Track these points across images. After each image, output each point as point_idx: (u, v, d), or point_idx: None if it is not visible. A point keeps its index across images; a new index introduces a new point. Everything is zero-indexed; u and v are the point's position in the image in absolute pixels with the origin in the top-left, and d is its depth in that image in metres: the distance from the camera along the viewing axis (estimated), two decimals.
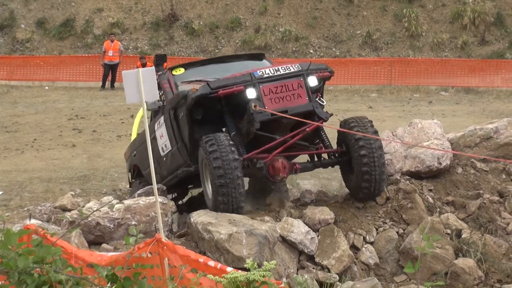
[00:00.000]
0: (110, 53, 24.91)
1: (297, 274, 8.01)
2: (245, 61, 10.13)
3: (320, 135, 8.81)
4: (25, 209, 10.21)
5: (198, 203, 9.69)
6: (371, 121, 8.71)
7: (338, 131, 8.78)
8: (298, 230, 8.25)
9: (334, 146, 8.88)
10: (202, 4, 30.18)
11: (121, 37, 28.53)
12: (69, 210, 9.57)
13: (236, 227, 7.68)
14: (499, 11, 28.59)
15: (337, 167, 9.05)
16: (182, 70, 9.72)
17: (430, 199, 9.25)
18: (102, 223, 8.24)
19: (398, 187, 9.14)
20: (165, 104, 9.29)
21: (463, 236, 8.65)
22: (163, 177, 9.77)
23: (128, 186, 11.73)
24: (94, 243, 8.17)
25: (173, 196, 10.47)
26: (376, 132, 8.60)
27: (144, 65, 21.47)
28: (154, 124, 9.72)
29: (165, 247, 5.58)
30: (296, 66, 8.53)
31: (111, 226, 8.25)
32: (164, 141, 9.42)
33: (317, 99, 8.49)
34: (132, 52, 28.36)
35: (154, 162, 9.56)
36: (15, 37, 29.42)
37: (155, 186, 6.95)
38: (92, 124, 18.07)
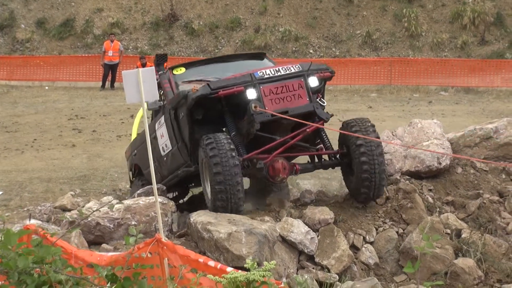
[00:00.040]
0: (110, 53, 24.90)
1: (297, 274, 8.01)
2: (246, 60, 10.11)
3: (320, 136, 8.80)
4: (25, 209, 10.21)
5: (199, 202, 9.69)
6: (373, 126, 8.64)
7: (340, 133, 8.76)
8: (298, 230, 8.25)
9: (336, 146, 8.86)
10: (202, 4, 30.18)
11: (121, 37, 28.53)
12: (69, 210, 9.57)
13: (235, 226, 7.69)
14: (499, 11, 28.59)
15: (337, 167, 9.04)
16: (183, 69, 9.70)
17: (430, 199, 9.26)
18: (102, 223, 8.24)
19: (398, 187, 9.14)
20: (165, 103, 9.29)
21: (463, 236, 8.65)
22: (163, 177, 9.76)
23: (128, 185, 11.74)
24: (94, 243, 8.17)
25: (174, 195, 10.47)
26: (380, 146, 8.53)
27: (144, 65, 21.46)
28: (155, 123, 9.72)
29: (165, 247, 5.58)
30: (296, 66, 8.50)
31: (111, 226, 8.26)
32: (164, 141, 9.42)
33: (317, 99, 8.47)
34: (132, 52, 28.36)
35: (154, 162, 9.58)
36: (15, 37, 29.42)
37: (155, 186, 6.95)
38: (92, 124, 18.07)
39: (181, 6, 29.95)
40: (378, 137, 8.61)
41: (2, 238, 3.67)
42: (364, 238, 8.65)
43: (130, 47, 28.97)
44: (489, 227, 8.98)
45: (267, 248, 7.68)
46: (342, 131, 8.61)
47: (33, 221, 8.55)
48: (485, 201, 9.25)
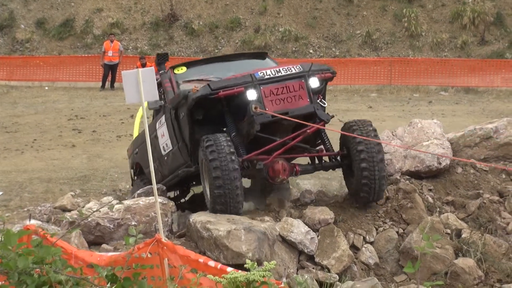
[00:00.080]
0: (110, 53, 24.90)
1: (297, 274, 8.01)
2: (248, 60, 10.09)
3: (321, 137, 8.77)
4: (25, 209, 10.21)
5: (200, 201, 9.67)
6: (375, 130, 8.58)
7: (341, 134, 8.74)
8: (298, 230, 8.25)
9: (336, 146, 8.85)
10: (202, 4, 30.18)
11: (120, 37, 28.53)
12: (69, 211, 9.57)
13: (235, 225, 7.70)
14: (498, 11, 28.60)
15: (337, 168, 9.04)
16: (184, 69, 9.67)
17: (430, 199, 9.25)
18: (102, 224, 8.24)
19: (398, 187, 9.14)
20: (166, 103, 9.27)
21: (463, 236, 8.65)
22: (164, 176, 9.76)
23: (128, 186, 11.74)
24: (94, 244, 8.17)
25: (175, 194, 10.47)
26: (380, 148, 8.49)
27: (143, 65, 21.46)
28: (156, 122, 9.71)
29: (165, 247, 5.58)
30: (297, 67, 8.46)
31: (111, 226, 8.26)
32: (165, 140, 9.41)
33: (318, 100, 8.43)
34: (132, 52, 28.36)
35: (155, 161, 9.59)
36: (14, 37, 29.42)
37: (154, 186, 6.95)
38: (92, 124, 18.07)
39: (181, 6, 29.95)
40: (377, 136, 8.58)
41: (2, 239, 3.66)
42: (364, 238, 8.64)
43: (130, 47, 28.97)
44: (489, 227, 8.98)
45: (267, 245, 7.68)
46: (342, 132, 8.60)
47: (33, 222, 8.55)
48: (485, 201, 9.25)
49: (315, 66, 8.61)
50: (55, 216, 9.32)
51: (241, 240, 7.53)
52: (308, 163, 8.91)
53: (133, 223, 8.14)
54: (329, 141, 8.76)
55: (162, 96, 9.38)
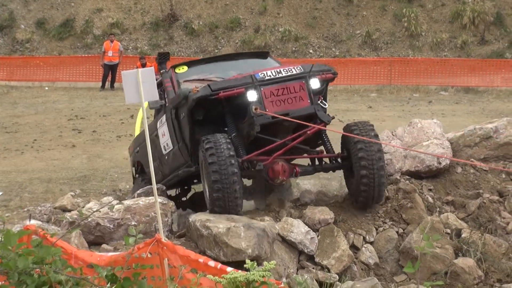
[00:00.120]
0: (110, 53, 24.90)
1: (297, 274, 8.01)
2: (250, 59, 10.07)
3: (322, 139, 8.75)
4: (25, 209, 10.20)
5: (200, 199, 9.66)
6: (376, 135, 8.55)
7: (342, 135, 8.71)
8: (298, 230, 8.25)
9: (336, 147, 8.83)
10: (202, 4, 30.18)
11: (120, 37, 28.53)
12: (69, 211, 9.57)
13: (234, 222, 7.73)
14: (498, 10, 28.59)
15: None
16: (185, 68, 9.64)
17: (430, 199, 9.25)
18: (102, 224, 8.24)
19: (398, 186, 9.13)
20: (167, 102, 9.26)
21: (463, 235, 8.65)
22: (165, 175, 9.75)
23: (128, 186, 11.74)
24: (94, 244, 8.17)
25: (177, 192, 10.46)
26: (380, 149, 8.46)
27: (143, 65, 21.46)
28: (157, 122, 9.70)
29: (165, 248, 5.58)
30: (298, 68, 8.43)
31: (111, 226, 8.26)
32: (165, 140, 9.39)
33: (319, 101, 8.40)
34: (132, 52, 28.36)
35: (156, 160, 9.60)
36: (14, 37, 29.42)
37: (154, 186, 6.95)
38: (92, 124, 18.07)
39: (180, 6, 29.95)
40: (379, 144, 8.51)
41: (2, 239, 3.67)
42: (364, 238, 8.64)
43: (130, 47, 28.97)
44: (489, 227, 8.97)
45: (266, 242, 7.68)
46: (341, 132, 8.58)
47: (33, 222, 8.55)
48: (485, 200, 9.25)
49: (316, 66, 8.58)
50: (55, 216, 9.32)
51: (240, 237, 7.54)
52: (308, 164, 8.89)
53: (133, 223, 8.14)
54: (329, 142, 8.73)
55: (163, 95, 9.37)
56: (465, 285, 8.10)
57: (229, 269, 5.08)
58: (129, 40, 29.38)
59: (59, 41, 29.41)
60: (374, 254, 8.55)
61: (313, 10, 29.76)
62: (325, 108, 8.49)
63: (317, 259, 8.20)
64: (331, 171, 9.01)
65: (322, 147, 8.87)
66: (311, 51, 28.67)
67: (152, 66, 17.17)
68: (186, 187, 10.54)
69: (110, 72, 24.91)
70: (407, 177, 9.49)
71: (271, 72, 8.36)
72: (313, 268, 8.14)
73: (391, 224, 8.83)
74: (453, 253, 8.45)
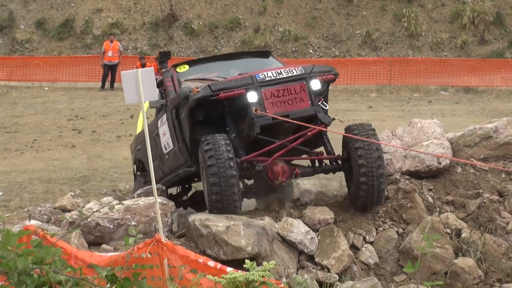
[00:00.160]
0: (110, 53, 24.90)
1: (297, 274, 8.01)
2: (251, 58, 10.04)
3: (322, 140, 8.73)
4: (25, 209, 10.20)
5: (201, 198, 9.64)
6: (378, 143, 8.49)
7: (343, 138, 8.69)
8: (298, 230, 8.24)
9: (336, 147, 8.80)
10: (202, 4, 30.18)
11: (120, 38, 28.54)
12: (69, 211, 9.57)
13: (233, 221, 7.73)
14: (498, 10, 28.60)
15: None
16: (187, 67, 9.61)
17: (430, 199, 9.25)
18: (102, 224, 8.24)
19: (397, 186, 9.13)
20: (167, 102, 9.24)
21: (462, 235, 8.65)
22: (165, 174, 9.75)
23: (128, 186, 11.74)
24: (94, 244, 8.16)
25: (178, 190, 10.45)
26: (380, 157, 8.40)
27: (143, 66, 21.48)
28: (158, 120, 9.68)
29: (164, 248, 5.58)
30: (299, 69, 8.38)
31: (111, 226, 8.25)
32: (166, 139, 9.38)
33: (319, 103, 8.37)
34: (132, 52, 28.36)
35: (156, 159, 9.60)
36: (14, 37, 29.42)
37: (154, 186, 6.95)
38: (92, 124, 18.08)
39: (180, 6, 29.95)
40: (379, 146, 8.46)
41: (2, 239, 3.66)
42: (364, 238, 8.64)
43: (130, 47, 28.97)
44: (489, 227, 8.97)
45: (266, 240, 7.68)
46: (342, 133, 8.56)
47: (33, 222, 8.55)
48: (485, 200, 9.25)
49: (317, 67, 8.53)
50: (55, 216, 9.32)
51: (240, 235, 7.54)
52: (308, 165, 8.87)
53: (133, 223, 8.13)
54: (330, 144, 8.69)
55: (164, 94, 9.35)
56: (465, 285, 8.10)
57: (228, 269, 5.08)
58: (128, 40, 29.38)
59: (58, 41, 29.41)
60: (374, 254, 8.55)
61: (313, 10, 29.76)
62: (326, 110, 8.45)
63: (317, 259, 8.20)
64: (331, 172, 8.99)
65: (322, 149, 8.85)
66: (310, 51, 28.67)
67: (151, 66, 17.17)
68: (187, 186, 10.54)
69: (110, 72, 24.91)
70: (407, 177, 9.48)
71: (272, 73, 8.33)
72: (313, 268, 8.14)
73: (391, 224, 8.83)
74: (453, 253, 8.45)
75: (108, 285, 3.76)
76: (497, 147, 10.04)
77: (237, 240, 7.50)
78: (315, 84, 8.34)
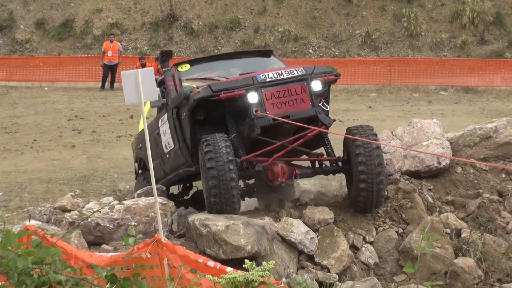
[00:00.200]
0: (110, 53, 24.90)
1: (296, 274, 8.01)
2: (253, 58, 10.02)
3: (323, 141, 8.72)
4: (25, 210, 10.20)
5: (203, 197, 9.64)
6: (379, 151, 8.45)
7: (344, 139, 8.68)
8: (297, 230, 8.25)
9: (336, 148, 8.79)
10: (202, 4, 30.18)
11: (120, 38, 28.54)
12: (69, 211, 9.57)
13: (233, 220, 7.73)
14: (498, 10, 28.60)
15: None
16: (188, 66, 9.60)
17: (430, 199, 9.25)
18: (102, 224, 8.24)
19: (397, 186, 9.13)
20: (168, 101, 9.23)
21: (462, 235, 8.65)
22: (166, 173, 9.74)
23: (128, 186, 11.74)
24: (94, 244, 8.16)
25: (179, 189, 10.45)
26: (381, 164, 8.37)
27: (143, 66, 21.48)
28: (159, 120, 9.68)
29: (164, 248, 5.59)
30: (300, 70, 8.36)
31: (111, 226, 8.25)
32: (167, 139, 9.37)
33: (320, 104, 8.35)
34: (132, 52, 28.36)
35: (158, 158, 9.60)
36: (14, 38, 29.42)
37: (154, 186, 6.95)
38: (92, 124, 18.08)
39: (180, 6, 29.95)
40: (379, 150, 8.44)
41: (2, 239, 3.67)
42: (364, 238, 8.64)
43: (130, 47, 28.97)
44: (489, 227, 8.98)
45: (266, 239, 7.68)
46: (342, 134, 8.55)
47: (33, 222, 8.54)
48: (484, 200, 9.25)
49: (318, 68, 8.51)
50: (55, 216, 9.32)
51: (239, 234, 7.54)
52: (308, 166, 8.86)
53: (133, 223, 8.13)
54: (330, 145, 8.68)
55: (165, 93, 9.35)
56: (465, 285, 8.10)
57: (228, 269, 5.08)
58: (128, 40, 29.38)
59: (58, 42, 29.41)
60: (374, 254, 8.55)
61: (312, 10, 29.76)
62: (327, 111, 8.43)
63: (317, 259, 8.20)
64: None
65: (323, 150, 8.84)
66: (310, 51, 28.68)
67: (151, 66, 17.16)
68: (188, 184, 10.53)
69: (110, 72, 24.92)
70: (407, 177, 9.49)
71: (272, 73, 8.31)
72: (313, 268, 8.14)
73: (391, 224, 8.83)
74: (453, 253, 8.45)
75: (108, 285, 3.76)
76: (497, 147, 10.05)
77: (236, 239, 7.51)
78: (316, 85, 8.32)
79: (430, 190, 9.42)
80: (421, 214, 8.89)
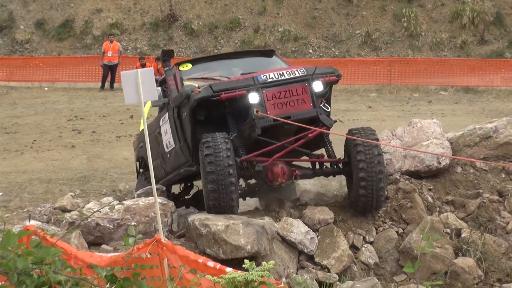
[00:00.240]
0: (109, 53, 24.90)
1: (296, 274, 8.01)
2: (255, 57, 10.00)
3: (324, 142, 8.70)
4: (25, 210, 10.20)
5: (203, 197, 9.64)
6: (379, 148, 8.47)
7: (345, 141, 8.67)
8: (297, 230, 8.25)
9: (336, 148, 8.78)
10: (201, 4, 30.18)
11: (120, 38, 28.54)
12: (69, 211, 9.57)
13: (233, 220, 7.74)
14: (498, 10, 28.60)
15: None
16: (189, 66, 9.58)
17: (430, 199, 9.25)
18: (102, 224, 8.24)
19: (397, 186, 9.13)
20: (169, 101, 9.22)
21: (462, 235, 8.65)
22: (167, 173, 9.74)
23: (128, 186, 11.74)
24: (94, 244, 8.16)
25: (180, 188, 10.44)
26: (381, 169, 8.39)
27: (143, 66, 21.49)
28: (160, 119, 9.68)
29: (164, 248, 5.59)
30: (301, 70, 8.34)
31: (111, 226, 8.25)
32: (168, 138, 9.36)
33: (321, 105, 8.34)
34: (131, 52, 28.36)
35: (158, 157, 9.60)
36: (14, 38, 29.43)
37: (154, 186, 6.94)
38: (92, 125, 18.08)
39: (180, 6, 29.95)
40: (379, 148, 8.45)
41: (2, 239, 3.67)
42: (364, 238, 8.64)
43: (130, 47, 28.97)
44: (489, 227, 8.98)
45: (265, 239, 7.68)
46: (343, 135, 8.54)
47: (33, 222, 8.54)
48: (484, 200, 9.25)
49: (319, 69, 8.48)
50: (55, 216, 9.32)
51: (239, 234, 7.54)
52: (309, 167, 8.86)
53: (132, 223, 8.13)
54: (331, 146, 8.67)
55: (167, 93, 9.34)
56: (465, 285, 8.10)
57: (228, 269, 5.08)
58: (128, 41, 29.38)
59: (58, 42, 29.42)
60: (374, 254, 8.55)
61: (312, 10, 29.76)
62: (328, 112, 8.42)
63: (317, 259, 8.20)
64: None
65: (323, 151, 8.83)
66: (310, 51, 28.68)
67: (151, 66, 17.15)
68: (189, 184, 10.53)
69: (110, 72, 24.92)
70: (407, 177, 9.48)
71: (274, 74, 8.29)
72: (313, 268, 8.14)
73: (391, 224, 8.83)
74: (453, 253, 8.45)
75: (108, 285, 3.76)
76: (496, 147, 10.05)
77: (236, 239, 7.51)
78: (317, 86, 8.30)
79: (430, 190, 9.42)
80: (421, 214, 8.89)
